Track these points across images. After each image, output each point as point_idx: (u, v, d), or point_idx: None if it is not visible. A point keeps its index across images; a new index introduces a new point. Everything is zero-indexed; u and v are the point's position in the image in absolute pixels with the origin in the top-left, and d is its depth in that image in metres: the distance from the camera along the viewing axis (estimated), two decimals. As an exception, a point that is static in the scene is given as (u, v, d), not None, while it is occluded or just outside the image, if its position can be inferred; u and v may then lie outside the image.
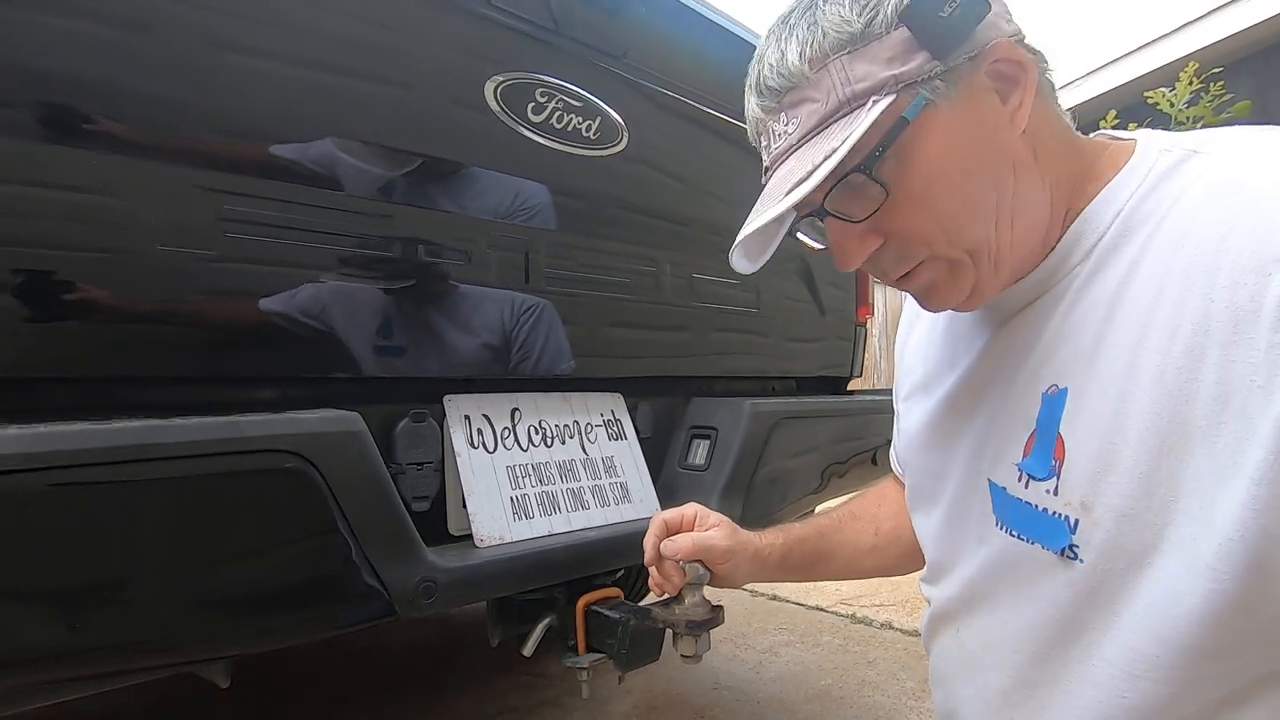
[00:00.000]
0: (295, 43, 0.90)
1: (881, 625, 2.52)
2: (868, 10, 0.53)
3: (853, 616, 2.60)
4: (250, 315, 0.86)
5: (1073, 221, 0.58)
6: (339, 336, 0.93)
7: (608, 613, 0.99)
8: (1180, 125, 2.95)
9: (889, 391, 1.79)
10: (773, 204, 0.55)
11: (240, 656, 0.87)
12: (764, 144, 0.60)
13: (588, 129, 1.19)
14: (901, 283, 0.61)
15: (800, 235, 0.64)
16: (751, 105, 0.60)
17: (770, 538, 0.86)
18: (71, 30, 0.74)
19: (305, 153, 0.91)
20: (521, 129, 1.10)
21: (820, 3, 0.55)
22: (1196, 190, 0.52)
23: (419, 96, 1.02)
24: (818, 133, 0.55)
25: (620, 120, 1.24)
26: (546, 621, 1.08)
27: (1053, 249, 0.59)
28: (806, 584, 2.99)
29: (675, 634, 0.87)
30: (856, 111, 0.53)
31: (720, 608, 0.89)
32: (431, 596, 0.86)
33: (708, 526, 0.83)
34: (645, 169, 1.30)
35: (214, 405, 0.85)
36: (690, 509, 0.85)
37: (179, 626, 0.73)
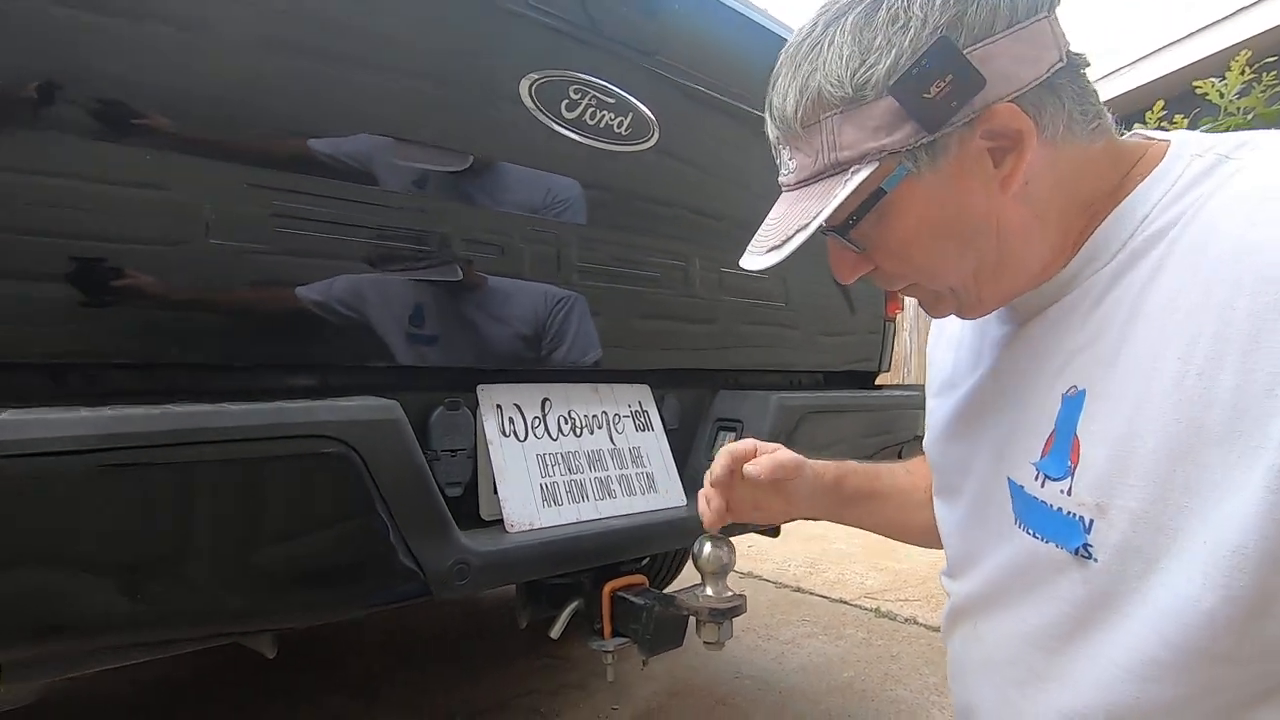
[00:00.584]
0: (336, 42, 0.94)
1: (906, 620, 2.51)
2: (862, 72, 0.53)
3: (877, 610, 2.60)
4: (295, 306, 0.90)
5: (1099, 225, 0.58)
6: (378, 327, 0.97)
7: (633, 598, 1.02)
8: (1230, 116, 2.83)
9: (918, 387, 1.79)
10: (755, 254, 0.62)
11: (286, 630, 0.91)
12: (776, 158, 0.64)
13: (619, 125, 1.21)
14: (900, 292, 0.66)
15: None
16: (767, 121, 0.63)
17: (825, 462, 0.86)
18: (124, 32, 0.78)
19: (347, 149, 0.95)
20: (555, 125, 1.13)
21: (826, 44, 0.56)
22: (1223, 196, 0.52)
23: (456, 94, 1.05)
24: (807, 184, 0.59)
25: (651, 116, 1.26)
26: (574, 606, 1.11)
27: (1074, 257, 0.59)
28: (831, 577, 3.00)
29: (699, 621, 0.90)
30: (839, 175, 0.56)
31: (743, 596, 0.91)
32: (465, 578, 0.90)
33: (771, 450, 0.82)
34: (676, 164, 1.32)
35: (258, 391, 0.89)
36: (749, 443, 0.84)
37: (228, 600, 0.77)
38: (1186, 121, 2.80)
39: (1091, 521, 0.55)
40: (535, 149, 1.12)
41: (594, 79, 1.17)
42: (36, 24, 0.73)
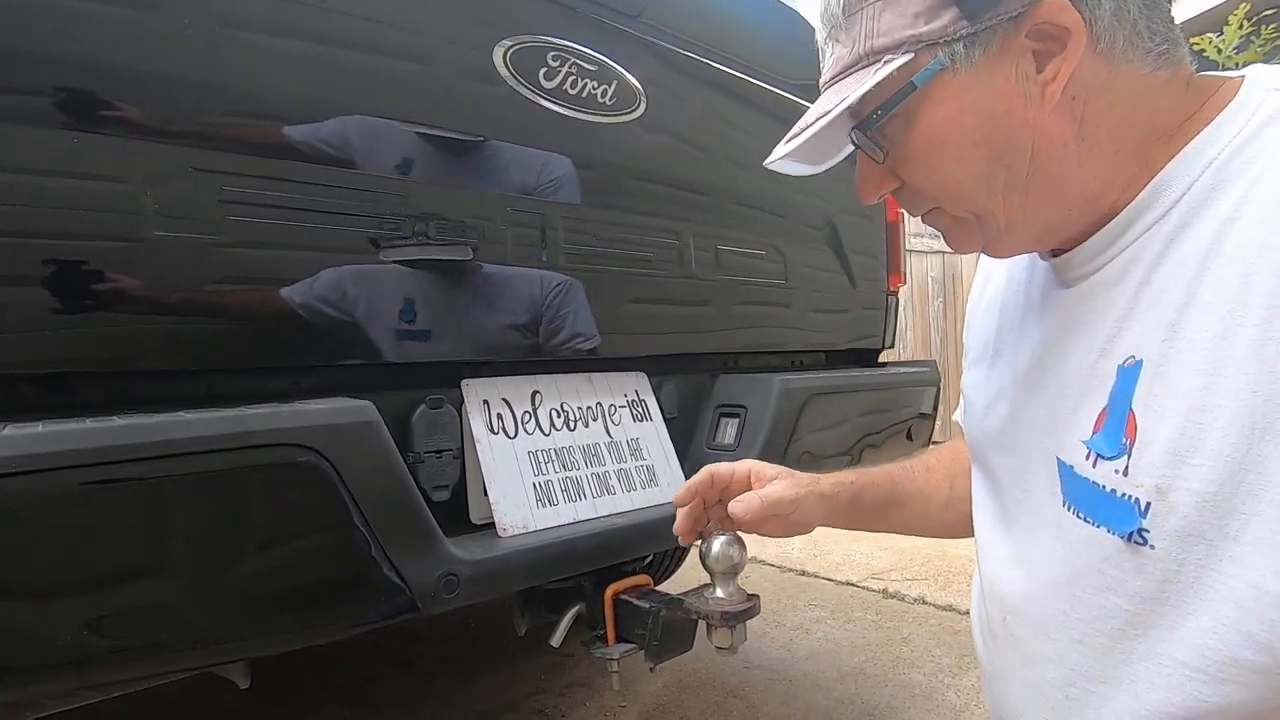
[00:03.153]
0: (295, 16, 0.85)
1: (915, 600, 2.47)
2: None
3: (885, 591, 2.56)
4: (255, 302, 0.82)
5: (1159, 169, 0.51)
6: (348, 321, 0.89)
7: (638, 602, 0.96)
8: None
9: (922, 363, 1.73)
10: (784, 145, 0.59)
11: (260, 658, 0.84)
12: (821, 63, 0.61)
13: (603, 94, 1.12)
14: (924, 219, 0.61)
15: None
16: (817, 27, 0.61)
17: (838, 478, 0.82)
18: (81, 13, 0.69)
19: (308, 130, 0.86)
20: (534, 96, 1.04)
21: None
22: None
23: (425, 66, 0.96)
24: (841, 78, 0.56)
25: (638, 84, 1.17)
26: (574, 611, 1.05)
27: (1126, 207, 0.53)
28: (836, 559, 2.95)
29: (710, 625, 0.83)
30: (871, 66, 0.53)
31: (756, 597, 0.85)
32: (454, 591, 0.83)
33: (768, 480, 0.79)
34: (665, 136, 1.24)
35: (221, 398, 0.82)
36: (744, 466, 0.81)
37: (193, 629, 0.70)
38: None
39: (1149, 505, 0.49)
40: (513, 122, 1.03)
41: (574, 45, 1.09)
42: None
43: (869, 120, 0.54)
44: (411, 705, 1.84)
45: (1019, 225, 0.55)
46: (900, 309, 1.88)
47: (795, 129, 0.58)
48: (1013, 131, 0.51)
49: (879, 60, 0.52)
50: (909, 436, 1.59)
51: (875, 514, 0.84)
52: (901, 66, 0.51)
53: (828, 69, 0.58)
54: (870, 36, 0.52)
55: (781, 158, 0.60)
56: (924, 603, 2.44)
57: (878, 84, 0.51)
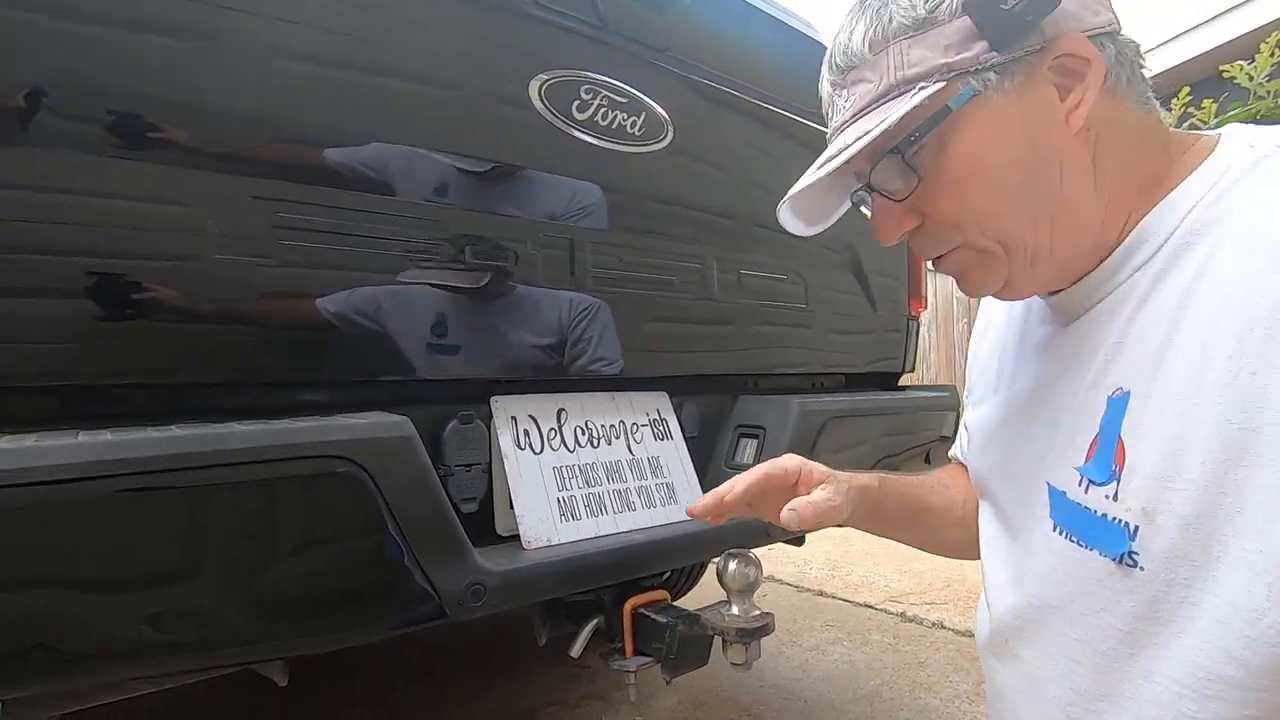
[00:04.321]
0: (338, 47, 0.91)
1: (933, 624, 2.46)
2: None
3: (903, 615, 2.55)
4: (301, 320, 0.87)
5: (1146, 214, 0.55)
6: (386, 339, 0.94)
7: (656, 616, 0.99)
8: (1260, 100, 2.75)
9: (943, 387, 1.74)
10: (810, 174, 0.59)
11: (296, 658, 0.89)
12: (829, 118, 0.63)
13: (632, 125, 1.17)
14: (937, 264, 0.62)
15: (863, 208, 0.64)
16: (822, 80, 0.63)
17: (868, 479, 0.78)
18: (121, 41, 0.76)
19: (352, 157, 0.92)
20: (567, 127, 1.09)
21: None
22: (1273, 189, 0.49)
23: (464, 97, 1.02)
24: (866, 112, 0.57)
25: (665, 115, 1.22)
26: (594, 623, 1.08)
27: (1116, 249, 0.56)
28: (854, 580, 2.94)
29: (725, 641, 0.86)
30: (904, 95, 0.54)
31: (770, 615, 0.88)
32: (480, 599, 0.87)
33: (814, 484, 0.74)
34: (691, 163, 1.28)
35: (265, 410, 0.86)
36: (793, 462, 0.75)
37: (236, 628, 0.74)
38: (1215, 106, 2.72)
39: (1137, 528, 0.52)
40: (547, 152, 1.08)
41: (605, 78, 1.13)
42: (31, 31, 0.70)
43: (906, 142, 0.55)
44: (431, 711, 1.87)
45: (1044, 255, 0.57)
46: (922, 332, 1.89)
47: (823, 159, 0.59)
48: (1044, 152, 0.54)
49: (912, 88, 0.54)
50: (927, 460, 1.61)
51: (892, 523, 0.83)
52: (934, 94, 0.53)
53: (846, 109, 0.59)
54: (900, 68, 0.55)
55: (804, 188, 0.61)
56: (943, 627, 2.43)
57: (912, 110, 0.53)
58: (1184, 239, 0.52)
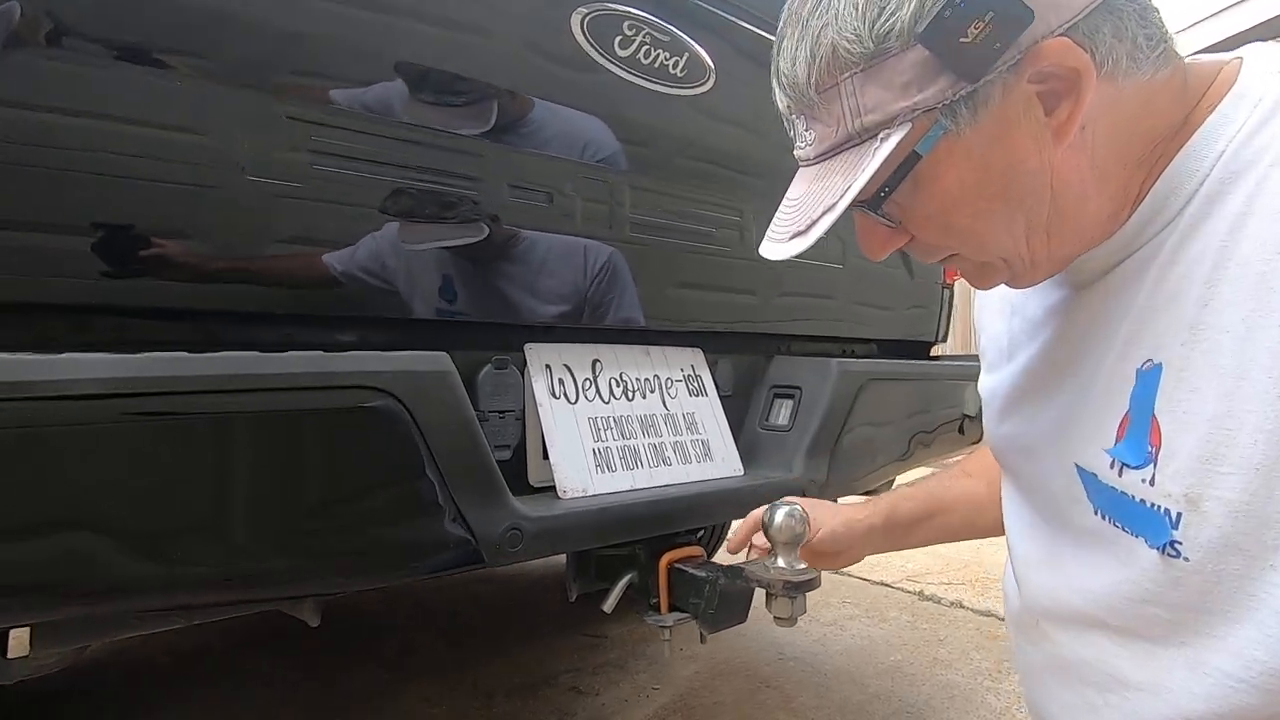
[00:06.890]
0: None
1: (951, 604, 2.43)
2: (882, 21, 0.45)
3: (920, 593, 2.52)
4: (335, 253, 0.84)
5: (1162, 172, 0.49)
6: (419, 277, 0.90)
7: (694, 571, 0.96)
8: None
9: (974, 357, 1.69)
10: (777, 240, 0.54)
11: (328, 596, 0.86)
12: (789, 131, 0.56)
13: (675, 66, 1.12)
14: (942, 262, 0.58)
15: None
16: (774, 90, 0.55)
17: (869, 507, 0.84)
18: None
19: (389, 86, 0.88)
20: (608, 63, 1.04)
21: None
22: None
23: (503, 28, 0.97)
24: (828, 157, 0.51)
25: (708, 58, 1.17)
26: (627, 579, 1.05)
27: (1132, 216, 0.50)
28: (869, 559, 2.91)
29: (770, 595, 0.83)
30: (866, 144, 0.48)
31: (817, 571, 0.84)
32: (517, 545, 0.84)
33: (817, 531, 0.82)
34: (733, 110, 1.23)
35: (297, 344, 0.83)
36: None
37: (268, 563, 0.71)
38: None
39: (1179, 515, 0.47)
40: (587, 88, 1.04)
41: (648, 15, 1.08)
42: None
43: (876, 199, 0.50)
44: (445, 676, 1.86)
45: (1043, 261, 0.53)
46: (953, 303, 1.84)
47: (798, 222, 0.53)
48: (1029, 177, 0.48)
49: (873, 136, 0.48)
50: (960, 430, 1.57)
51: (915, 528, 0.84)
52: (900, 140, 0.46)
53: (809, 146, 0.53)
54: (856, 114, 0.48)
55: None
56: (961, 606, 2.40)
57: (879, 166, 0.47)
58: (1215, 187, 0.46)
